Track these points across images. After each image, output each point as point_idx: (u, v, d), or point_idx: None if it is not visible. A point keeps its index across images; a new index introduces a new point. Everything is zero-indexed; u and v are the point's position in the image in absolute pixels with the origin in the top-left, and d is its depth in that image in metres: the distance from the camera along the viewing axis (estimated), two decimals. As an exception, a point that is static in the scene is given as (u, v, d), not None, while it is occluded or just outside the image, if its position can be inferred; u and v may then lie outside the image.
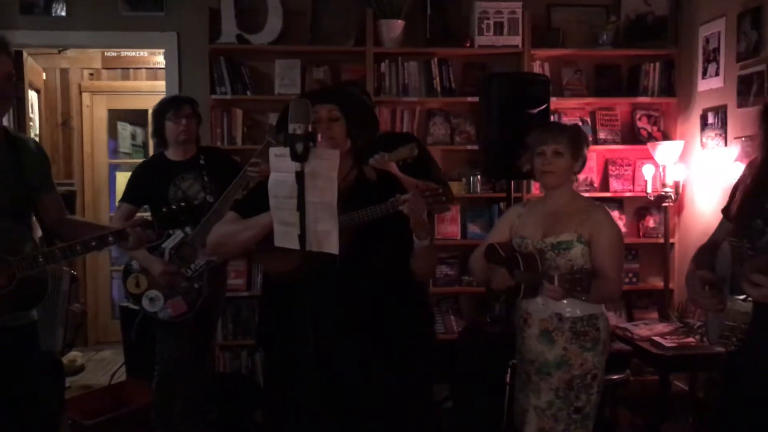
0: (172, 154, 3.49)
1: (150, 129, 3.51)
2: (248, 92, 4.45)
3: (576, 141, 2.55)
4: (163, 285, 3.30)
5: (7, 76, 2.30)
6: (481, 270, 2.67)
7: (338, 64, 4.54)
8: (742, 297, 1.86)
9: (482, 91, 3.80)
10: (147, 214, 3.32)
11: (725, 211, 2.23)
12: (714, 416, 2.19)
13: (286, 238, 2.00)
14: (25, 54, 4.84)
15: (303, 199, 1.89)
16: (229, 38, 4.35)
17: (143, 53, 6.02)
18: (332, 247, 1.93)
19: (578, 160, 2.57)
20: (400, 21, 4.40)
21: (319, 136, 1.93)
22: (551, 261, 2.47)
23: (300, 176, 1.88)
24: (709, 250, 2.16)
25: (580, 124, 4.57)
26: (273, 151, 2.01)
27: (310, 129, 1.87)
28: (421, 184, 2.08)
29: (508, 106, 3.55)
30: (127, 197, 3.47)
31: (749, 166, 2.16)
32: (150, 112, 5.98)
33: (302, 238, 1.90)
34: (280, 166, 1.97)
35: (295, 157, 1.86)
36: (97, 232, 2.37)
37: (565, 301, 2.45)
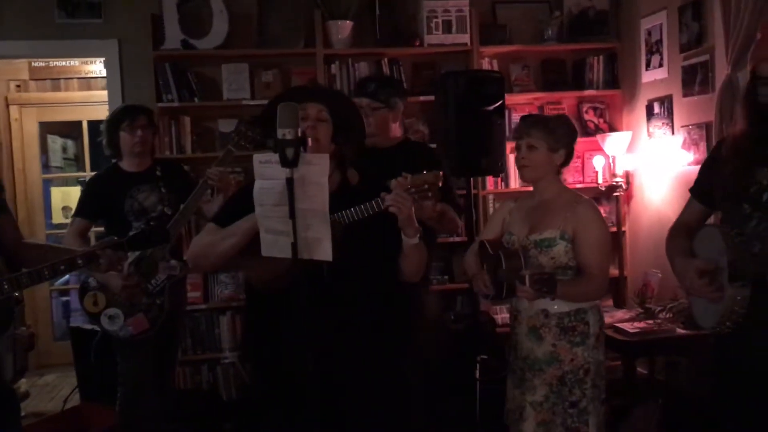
0: (126, 165, 3.36)
1: (105, 139, 3.35)
2: (196, 99, 4.33)
3: (553, 133, 2.49)
4: (122, 302, 3.16)
5: None
6: (471, 268, 2.64)
7: (288, 66, 4.48)
8: (739, 283, 1.88)
9: (437, 89, 3.81)
10: (102, 231, 3.18)
11: (696, 191, 2.25)
12: (710, 398, 2.22)
13: (274, 247, 1.94)
14: None
15: (294, 206, 1.84)
16: (173, 44, 4.22)
17: (74, 62, 5.76)
18: (325, 254, 1.89)
19: (557, 152, 2.51)
20: (348, 22, 4.37)
21: (309, 141, 1.87)
22: (534, 259, 2.44)
23: (290, 183, 1.83)
24: (684, 234, 2.18)
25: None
26: (258, 158, 1.95)
27: (300, 134, 1.82)
28: (403, 181, 2.02)
29: (464, 104, 3.55)
30: (81, 211, 3.32)
31: (722, 145, 2.16)
32: (89, 121, 5.78)
33: (295, 246, 1.85)
34: (266, 173, 1.92)
35: (285, 163, 1.81)
36: (62, 255, 2.26)
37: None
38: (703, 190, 2.20)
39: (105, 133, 3.38)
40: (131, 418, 3.30)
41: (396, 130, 3.18)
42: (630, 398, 3.67)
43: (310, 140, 1.91)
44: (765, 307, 1.86)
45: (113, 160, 3.42)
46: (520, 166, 2.55)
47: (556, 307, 2.44)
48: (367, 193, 2.08)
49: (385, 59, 4.49)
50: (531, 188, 2.65)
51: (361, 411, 2.13)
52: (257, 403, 2.58)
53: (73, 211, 3.42)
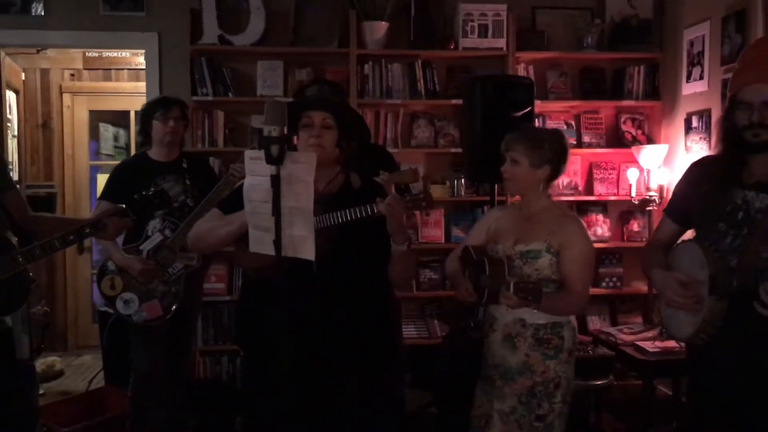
0: (155, 154, 3.44)
1: (137, 127, 3.45)
2: (230, 94, 4.39)
3: (537, 150, 2.45)
4: (139, 287, 3.24)
5: None
6: (452, 273, 2.64)
7: (321, 65, 4.50)
8: (717, 296, 1.94)
9: (466, 93, 3.77)
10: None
11: (668, 210, 2.32)
12: (689, 412, 2.25)
13: (261, 243, 1.96)
14: (2, 54, 4.76)
15: (278, 203, 1.85)
16: (210, 39, 4.30)
17: (125, 54, 5.94)
18: (308, 253, 1.89)
19: (539, 168, 2.47)
20: (383, 23, 4.37)
21: (295, 139, 1.89)
22: (518, 269, 2.43)
23: (275, 180, 1.84)
24: (661, 251, 2.24)
25: (564, 127, 4.56)
26: (248, 153, 1.97)
27: (285, 131, 1.83)
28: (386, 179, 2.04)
29: (492, 109, 3.52)
30: (106, 195, 3.42)
31: (696, 167, 2.23)
32: (136, 111, 5.95)
33: (278, 243, 1.86)
34: (256, 170, 1.93)
35: (270, 160, 1.82)
36: (71, 226, 2.33)
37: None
38: (678, 210, 2.27)
39: (139, 121, 3.49)
40: (142, 405, 3.37)
41: None
42: (646, 420, 3.57)
43: (311, 140, 1.92)
44: (740, 319, 1.92)
45: (143, 148, 3.52)
46: (503, 179, 2.55)
47: (532, 317, 2.41)
48: (367, 196, 2.09)
49: (419, 61, 4.47)
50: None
51: (339, 403, 2.14)
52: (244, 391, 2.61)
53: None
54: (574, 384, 2.55)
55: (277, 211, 1.84)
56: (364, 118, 2.71)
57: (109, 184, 3.47)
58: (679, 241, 2.27)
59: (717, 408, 2.10)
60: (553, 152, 2.49)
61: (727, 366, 2.03)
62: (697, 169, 2.23)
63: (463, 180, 4.48)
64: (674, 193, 2.34)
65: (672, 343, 3.56)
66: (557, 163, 2.51)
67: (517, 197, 2.64)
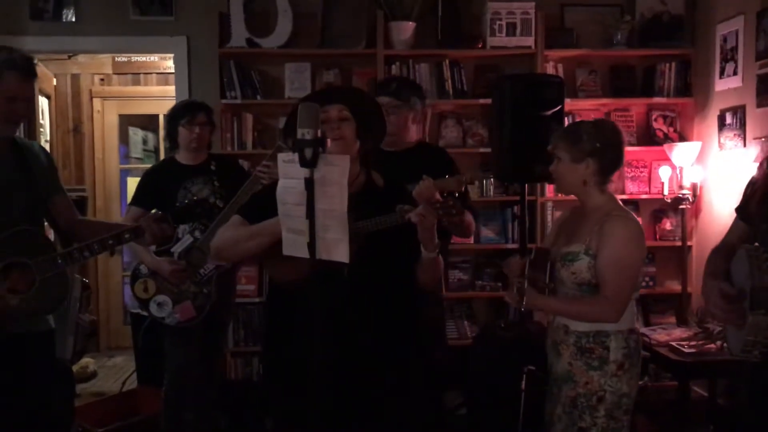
0: (183, 158, 3.47)
1: (163, 132, 3.48)
2: (258, 96, 4.41)
3: (576, 143, 2.36)
4: (171, 290, 3.27)
5: (14, 97, 2.30)
6: (510, 272, 2.58)
7: (349, 67, 4.50)
8: (762, 311, 1.77)
9: (495, 92, 3.74)
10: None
11: (740, 210, 2.13)
12: (742, 428, 2.11)
13: (294, 246, 1.95)
14: (35, 60, 4.81)
15: (312, 206, 1.85)
16: (238, 42, 4.32)
17: (154, 58, 6.00)
18: (342, 256, 1.88)
19: (581, 162, 2.36)
20: (410, 23, 4.35)
21: (328, 141, 1.87)
22: (558, 272, 2.36)
23: (309, 183, 1.83)
24: (723, 254, 2.06)
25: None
26: (282, 156, 1.96)
27: (319, 134, 1.82)
28: (426, 191, 2.02)
29: (521, 108, 3.48)
30: (137, 200, 3.45)
31: (765, 163, 2.06)
32: (163, 115, 6.02)
33: (312, 246, 1.86)
34: (289, 172, 1.93)
35: (304, 163, 1.81)
36: (112, 230, 2.37)
37: None
38: (745, 208, 2.10)
39: (165, 125, 3.52)
40: (176, 405, 3.40)
41: (414, 132, 3.17)
42: (681, 422, 3.51)
43: (329, 141, 1.89)
44: None
45: (170, 153, 3.55)
46: (553, 179, 2.49)
47: (575, 325, 2.35)
48: (391, 197, 2.08)
49: (447, 61, 4.45)
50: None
51: (365, 408, 2.13)
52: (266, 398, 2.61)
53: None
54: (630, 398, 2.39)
55: (311, 214, 1.84)
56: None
57: (139, 189, 3.51)
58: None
59: None
60: (594, 144, 2.35)
61: None
62: (762, 166, 2.05)
63: (492, 180, 4.45)
64: (745, 189, 2.13)
65: (709, 344, 3.50)
66: (603, 156, 2.36)
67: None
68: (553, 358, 2.43)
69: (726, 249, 2.07)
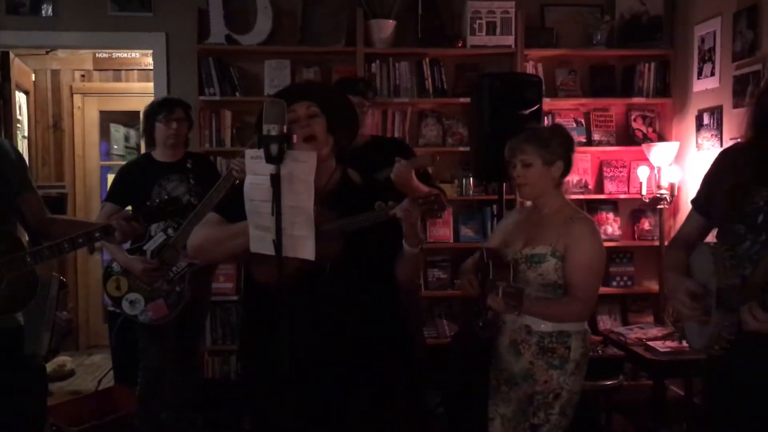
0: (159, 155, 3.44)
1: (141, 128, 3.46)
2: (237, 93, 4.38)
3: (546, 146, 2.39)
4: (144, 288, 3.25)
5: None
6: (463, 270, 2.61)
7: (328, 64, 4.49)
8: (725, 309, 1.77)
9: (474, 91, 3.74)
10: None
11: (695, 202, 2.11)
12: (703, 423, 2.13)
13: (262, 243, 1.93)
14: (12, 55, 4.78)
15: (279, 203, 1.83)
16: (217, 39, 4.29)
17: (134, 54, 5.96)
18: (308, 253, 1.87)
19: (553, 165, 2.39)
20: (391, 21, 4.34)
21: (295, 137, 1.86)
22: (523, 273, 2.37)
23: (275, 179, 1.82)
24: (683, 249, 2.05)
25: (574, 125, 4.52)
26: (249, 153, 1.95)
27: (285, 130, 1.81)
28: (422, 192, 2.02)
29: (500, 107, 3.48)
30: (111, 197, 3.42)
31: (724, 157, 2.03)
32: (141, 112, 5.99)
33: (278, 243, 1.84)
34: (256, 169, 1.91)
35: (269, 159, 1.80)
36: (83, 229, 2.35)
37: None
38: (703, 203, 2.07)
39: (142, 122, 3.49)
40: (150, 403, 3.38)
41: (369, 127, 3.30)
42: (657, 420, 3.53)
43: (296, 137, 1.87)
44: (753, 333, 1.72)
45: (147, 149, 3.52)
46: (518, 185, 2.47)
47: (537, 324, 2.36)
48: (369, 193, 2.06)
49: (427, 59, 4.45)
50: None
51: (345, 407, 2.12)
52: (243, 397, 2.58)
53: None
54: (584, 385, 2.47)
55: (277, 211, 1.82)
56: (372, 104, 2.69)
57: (113, 186, 3.48)
58: (707, 238, 2.07)
59: (734, 416, 1.93)
60: (561, 147, 2.41)
61: (741, 380, 1.87)
62: (725, 158, 2.02)
63: (471, 179, 4.45)
64: (701, 183, 2.10)
65: (685, 343, 3.51)
66: (567, 158, 2.43)
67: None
68: (510, 358, 2.43)
69: (684, 243, 2.07)
